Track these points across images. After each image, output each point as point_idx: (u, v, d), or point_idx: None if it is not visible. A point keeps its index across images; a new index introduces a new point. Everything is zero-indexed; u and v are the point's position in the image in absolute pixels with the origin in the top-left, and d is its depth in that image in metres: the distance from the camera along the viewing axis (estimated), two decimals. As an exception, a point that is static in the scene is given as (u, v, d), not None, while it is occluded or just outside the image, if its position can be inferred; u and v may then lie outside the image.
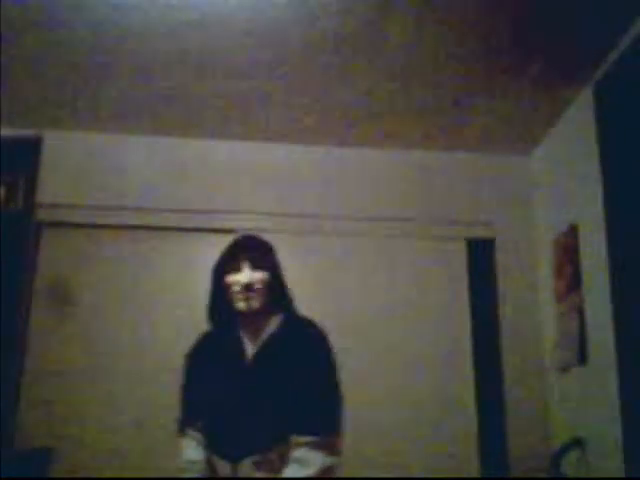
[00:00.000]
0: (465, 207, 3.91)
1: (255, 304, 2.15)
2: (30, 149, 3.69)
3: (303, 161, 3.90)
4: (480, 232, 3.91)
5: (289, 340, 2.17)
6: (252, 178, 3.84)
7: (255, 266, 2.17)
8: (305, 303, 3.86)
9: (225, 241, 3.77)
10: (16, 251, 3.53)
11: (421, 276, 3.82)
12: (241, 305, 2.16)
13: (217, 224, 3.80)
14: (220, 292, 2.22)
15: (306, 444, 1.99)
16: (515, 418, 3.62)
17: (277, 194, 3.84)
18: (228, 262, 2.21)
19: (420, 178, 3.93)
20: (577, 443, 3.18)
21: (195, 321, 3.64)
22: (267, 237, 3.73)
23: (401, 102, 3.48)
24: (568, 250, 3.43)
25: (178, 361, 3.56)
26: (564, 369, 3.41)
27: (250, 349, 2.19)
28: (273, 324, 2.21)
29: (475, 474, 3.55)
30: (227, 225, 3.80)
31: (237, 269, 2.17)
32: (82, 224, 3.74)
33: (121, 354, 3.58)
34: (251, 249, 2.22)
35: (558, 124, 3.63)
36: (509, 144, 3.88)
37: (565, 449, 3.21)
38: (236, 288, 2.16)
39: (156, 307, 3.68)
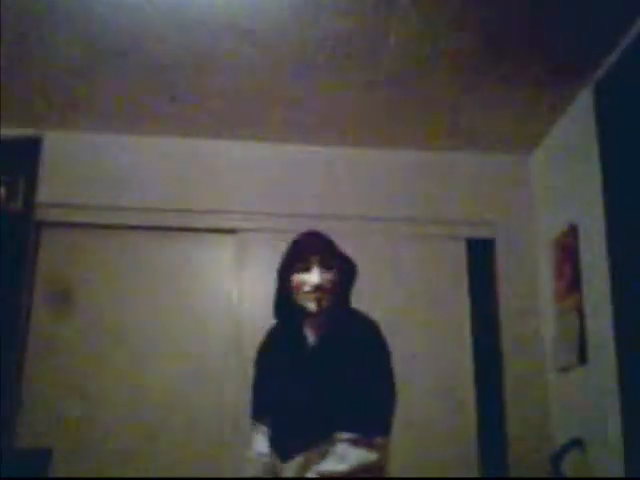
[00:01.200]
0: (465, 207, 3.91)
1: (325, 304, 2.13)
2: (30, 149, 3.69)
3: (303, 161, 3.90)
4: (480, 232, 3.91)
5: (348, 338, 2.13)
6: (252, 178, 3.84)
7: (325, 266, 2.14)
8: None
9: (225, 241, 3.85)
10: (16, 251, 3.53)
11: (421, 276, 3.82)
12: (311, 305, 2.13)
13: (217, 224, 3.80)
14: (286, 290, 2.19)
15: (347, 440, 1.97)
16: (515, 418, 3.62)
17: (277, 194, 3.84)
18: (297, 262, 2.17)
19: (420, 178, 3.93)
20: (577, 443, 3.18)
21: (195, 320, 3.68)
22: (268, 237, 3.81)
23: (401, 102, 3.48)
24: (568, 250, 3.43)
25: (178, 360, 3.59)
26: (564, 369, 3.42)
27: (311, 343, 2.17)
28: (334, 320, 2.17)
29: (475, 474, 3.55)
30: (227, 225, 3.81)
31: (307, 269, 2.14)
32: (82, 224, 3.74)
33: (121, 353, 3.58)
34: (321, 249, 2.18)
35: (558, 124, 3.63)
36: (509, 144, 3.88)
37: (565, 449, 3.21)
38: (306, 288, 2.13)
39: (156, 307, 3.68)
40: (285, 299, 2.21)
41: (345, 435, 1.98)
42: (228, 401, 3.52)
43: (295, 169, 3.89)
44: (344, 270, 2.20)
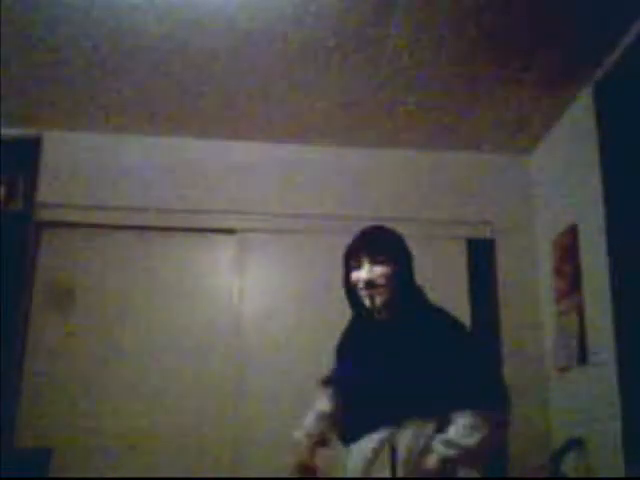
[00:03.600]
0: (465, 207, 3.91)
1: (380, 300, 2.11)
2: (30, 149, 3.69)
3: (303, 161, 3.89)
4: (480, 232, 3.91)
5: (414, 323, 2.12)
6: (252, 178, 3.84)
7: (375, 261, 2.13)
8: (305, 303, 3.88)
9: (225, 241, 3.85)
10: (16, 251, 3.53)
11: (421, 276, 3.81)
12: (366, 302, 2.13)
13: (217, 224, 3.80)
14: (350, 288, 2.19)
15: (462, 416, 1.99)
16: (515, 418, 3.61)
17: (277, 194, 3.83)
18: (350, 259, 2.18)
19: (420, 178, 3.93)
20: (577, 443, 3.18)
21: (195, 320, 3.68)
22: (268, 237, 3.81)
23: (401, 102, 3.48)
24: (568, 250, 3.43)
25: (178, 360, 3.59)
26: (564, 369, 3.42)
27: (388, 335, 2.13)
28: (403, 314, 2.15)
29: (475, 474, 3.54)
30: (227, 225, 3.81)
31: (358, 266, 2.15)
32: (82, 224, 3.74)
33: (121, 354, 3.58)
34: (371, 243, 2.18)
35: (558, 124, 3.63)
36: (509, 144, 3.88)
37: (565, 449, 3.21)
38: (360, 285, 2.13)
39: (156, 307, 3.68)
40: (351, 295, 2.20)
41: (459, 412, 1.98)
42: (229, 400, 3.52)
43: (295, 169, 3.88)
44: (400, 262, 2.17)
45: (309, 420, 2.24)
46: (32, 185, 3.66)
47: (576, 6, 2.77)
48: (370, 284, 2.10)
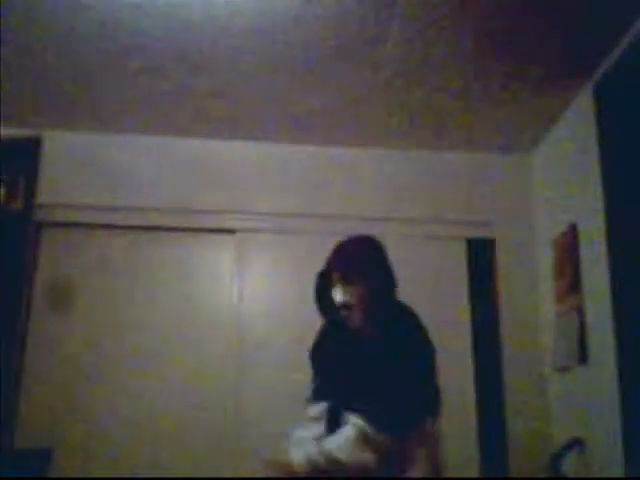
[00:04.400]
0: (465, 207, 3.91)
1: (354, 322, 2.12)
2: (30, 149, 3.69)
3: (303, 161, 3.89)
4: (480, 232, 3.91)
5: (389, 330, 2.13)
6: (252, 178, 3.84)
7: (347, 283, 2.11)
8: (304, 303, 3.86)
9: (225, 241, 3.85)
10: (16, 251, 3.53)
11: (421, 276, 3.82)
12: (344, 320, 2.14)
13: (217, 224, 3.80)
14: (322, 302, 2.18)
15: (355, 425, 1.98)
16: (515, 418, 3.61)
17: (277, 194, 3.84)
18: (325, 277, 2.16)
19: (420, 178, 3.93)
20: (577, 443, 3.18)
21: (195, 320, 3.68)
22: (268, 237, 3.81)
23: (401, 102, 3.48)
24: (568, 250, 3.43)
25: (178, 360, 3.59)
26: (564, 369, 3.41)
27: (357, 339, 2.15)
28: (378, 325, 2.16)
29: (475, 474, 3.55)
30: (227, 225, 3.81)
31: (332, 286, 2.13)
32: (82, 224, 3.74)
33: (121, 354, 3.58)
34: (342, 263, 2.14)
35: (558, 124, 3.63)
36: (509, 144, 3.88)
37: (565, 449, 3.20)
38: (337, 304, 2.13)
39: (156, 307, 3.68)
40: (325, 308, 2.19)
41: (356, 419, 1.98)
42: (228, 400, 3.52)
43: (295, 169, 3.88)
44: (375, 279, 2.15)
45: (311, 449, 2.07)
46: (32, 185, 3.66)
47: (576, 6, 2.77)
48: (345, 306, 2.11)
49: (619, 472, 2.82)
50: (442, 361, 3.70)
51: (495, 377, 3.69)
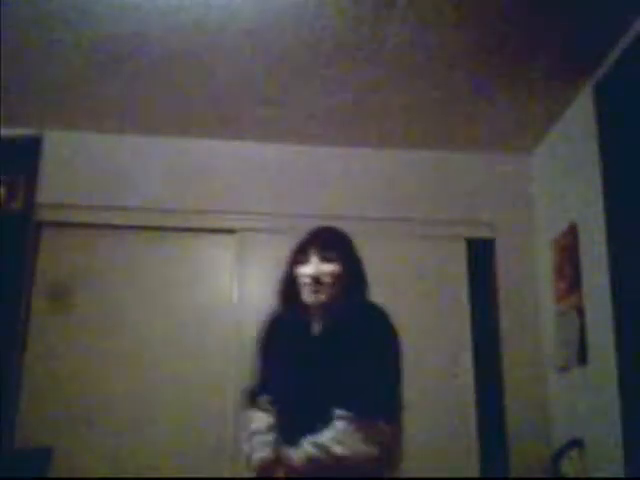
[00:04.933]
0: (465, 207, 3.91)
1: (322, 297, 2.12)
2: (30, 149, 3.69)
3: (303, 161, 3.90)
4: (480, 232, 3.91)
5: (354, 323, 2.12)
6: (252, 178, 3.84)
7: (324, 258, 2.15)
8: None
9: (225, 241, 3.85)
10: (16, 251, 3.53)
11: (421, 276, 3.82)
12: (309, 298, 2.14)
13: (217, 224, 3.80)
14: (290, 281, 2.20)
15: (345, 418, 1.96)
16: (515, 418, 3.62)
17: (277, 194, 3.84)
18: (298, 253, 2.20)
19: (420, 178, 3.94)
20: (577, 443, 3.18)
21: (195, 320, 3.68)
22: (268, 237, 3.80)
23: (401, 102, 3.48)
24: (568, 250, 3.43)
25: (178, 360, 3.59)
26: (564, 369, 3.41)
27: (316, 332, 2.15)
28: (338, 311, 2.16)
29: (475, 474, 3.55)
30: (227, 225, 3.81)
31: (305, 261, 2.16)
32: (82, 224, 3.74)
33: (121, 354, 3.58)
34: (321, 241, 2.20)
35: (558, 124, 3.63)
36: (509, 144, 3.88)
37: (565, 449, 3.21)
38: (305, 280, 2.14)
39: (156, 307, 3.68)
40: (289, 289, 2.21)
41: (341, 412, 1.96)
42: (229, 400, 3.52)
43: (295, 169, 3.89)
44: (349, 264, 2.19)
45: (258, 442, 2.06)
46: (32, 185, 3.66)
47: (576, 6, 2.77)
48: (316, 279, 2.12)
49: (619, 472, 2.82)
50: (442, 361, 3.73)
51: (495, 377, 3.69)
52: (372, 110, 3.56)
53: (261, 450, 2.04)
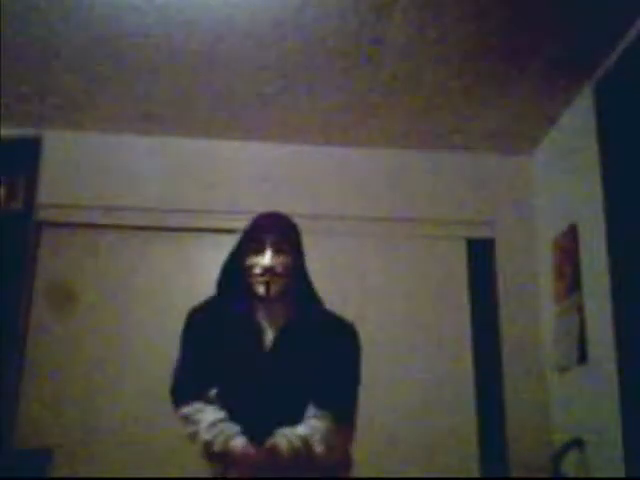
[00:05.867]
0: (465, 207, 3.91)
1: (275, 289, 2.07)
2: (30, 149, 3.69)
3: (303, 161, 3.89)
4: (480, 232, 3.91)
5: (311, 325, 2.11)
6: (252, 178, 3.84)
7: (279, 249, 2.09)
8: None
9: (225, 241, 3.83)
10: (16, 251, 3.53)
11: (421, 276, 3.82)
12: (260, 289, 2.08)
13: (217, 224, 3.80)
14: (235, 271, 2.13)
15: (315, 416, 1.98)
16: (515, 418, 3.61)
17: (277, 194, 3.83)
18: (250, 242, 2.12)
19: (420, 178, 3.93)
20: (577, 443, 3.18)
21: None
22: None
23: (401, 102, 3.48)
24: (568, 250, 3.43)
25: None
26: (564, 369, 3.41)
27: (270, 333, 2.10)
28: (293, 310, 2.13)
29: (475, 474, 3.55)
30: (227, 225, 3.80)
31: (259, 251, 2.09)
32: (82, 224, 3.74)
33: (121, 354, 3.58)
34: (276, 230, 2.13)
35: (558, 124, 3.63)
36: (509, 144, 3.88)
37: (565, 449, 3.20)
38: (256, 271, 2.07)
39: (156, 307, 3.68)
40: (234, 278, 2.14)
41: (319, 411, 1.98)
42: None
43: (295, 169, 3.88)
44: (299, 254, 2.16)
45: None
46: (32, 185, 3.66)
47: (576, 6, 2.77)
48: (270, 270, 2.06)
49: (619, 472, 2.82)
50: (442, 361, 3.73)
51: (495, 377, 3.69)
52: (372, 110, 3.56)
53: (235, 438, 2.00)
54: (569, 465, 3.18)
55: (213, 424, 2.05)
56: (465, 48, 3.05)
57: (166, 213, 3.78)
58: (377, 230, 3.84)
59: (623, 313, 2.87)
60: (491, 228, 3.89)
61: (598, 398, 3.07)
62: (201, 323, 2.19)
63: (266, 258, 2.07)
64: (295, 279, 2.13)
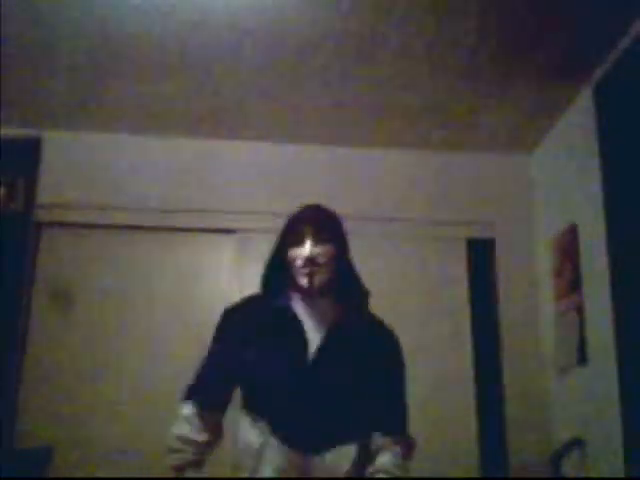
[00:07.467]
0: (465, 207, 3.91)
1: (319, 280, 1.98)
2: (30, 149, 3.69)
3: (303, 161, 3.90)
4: (480, 232, 3.91)
5: (357, 332, 2.05)
6: (252, 178, 3.84)
7: (319, 239, 2.01)
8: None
9: (225, 241, 3.85)
10: (16, 251, 3.53)
11: (421, 276, 3.82)
12: (303, 281, 1.99)
13: (217, 224, 3.80)
14: (279, 265, 2.07)
15: (392, 444, 2.00)
16: (515, 418, 3.62)
17: (277, 194, 3.83)
18: (290, 234, 2.05)
19: (420, 178, 3.93)
20: (577, 443, 3.18)
21: (196, 320, 3.67)
22: (268, 237, 3.80)
23: (401, 102, 3.48)
24: (568, 250, 3.43)
25: (178, 360, 3.59)
26: (564, 369, 3.41)
27: (313, 336, 2.02)
28: (339, 310, 2.06)
29: (475, 474, 3.55)
30: (227, 225, 3.81)
31: (300, 242, 2.01)
32: (82, 224, 3.74)
33: (121, 354, 3.59)
34: (315, 220, 2.05)
35: (558, 124, 3.63)
36: (509, 144, 3.88)
37: (565, 449, 3.21)
38: (299, 262, 1.99)
39: (156, 307, 3.68)
40: (278, 272, 2.09)
41: (390, 437, 2.01)
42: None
43: (295, 169, 3.89)
44: (343, 245, 2.09)
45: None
46: (32, 185, 3.66)
47: (576, 6, 2.77)
48: (311, 261, 1.98)
49: (619, 472, 2.82)
50: (442, 361, 3.73)
51: (495, 377, 3.69)
52: (372, 110, 3.56)
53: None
54: (569, 465, 3.18)
55: (179, 437, 2.15)
56: (465, 49, 3.05)
57: (166, 213, 3.78)
58: (377, 230, 3.84)
59: (623, 313, 2.87)
60: (491, 228, 3.89)
61: (598, 398, 3.07)
62: (235, 323, 2.12)
63: (306, 248, 2.00)
64: (340, 273, 2.06)
